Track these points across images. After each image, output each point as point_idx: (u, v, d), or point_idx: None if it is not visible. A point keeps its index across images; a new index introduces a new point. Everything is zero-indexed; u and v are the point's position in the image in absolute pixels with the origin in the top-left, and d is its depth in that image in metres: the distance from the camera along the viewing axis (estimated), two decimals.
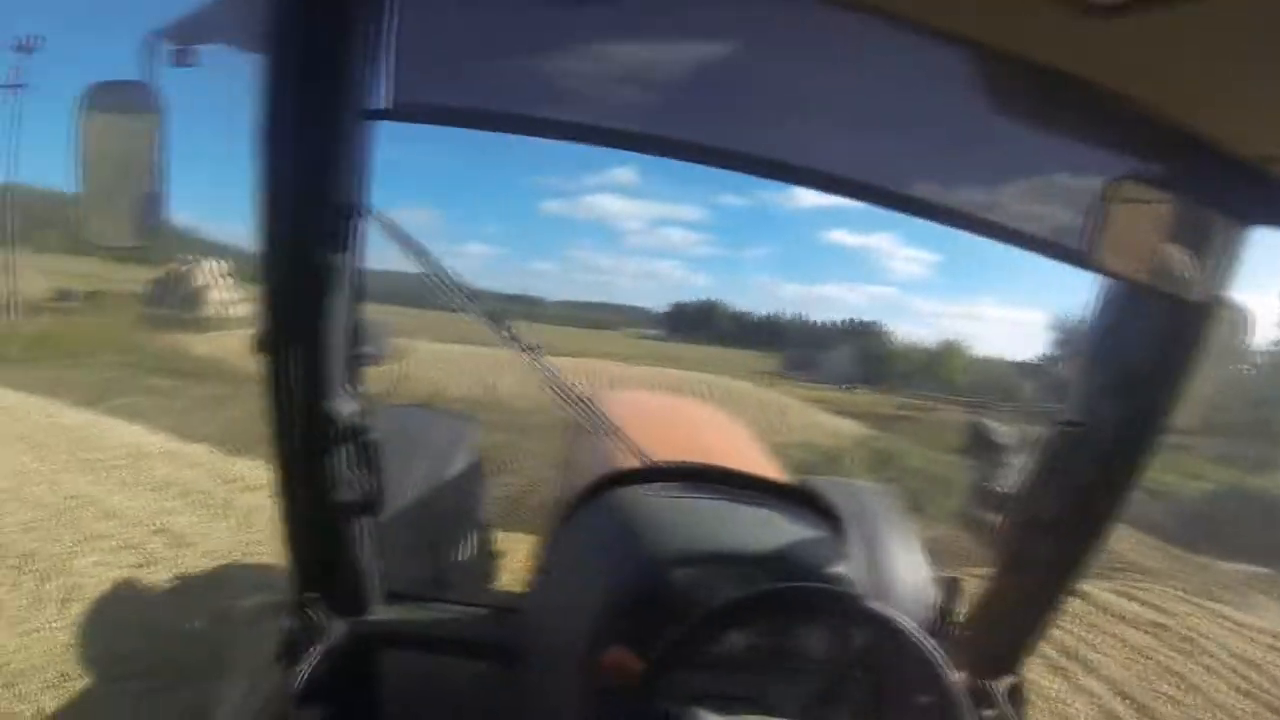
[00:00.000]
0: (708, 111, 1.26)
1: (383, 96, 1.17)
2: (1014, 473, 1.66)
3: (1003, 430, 1.78)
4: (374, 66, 1.15)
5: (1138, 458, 1.45)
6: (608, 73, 1.22)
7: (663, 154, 1.26)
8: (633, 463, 1.84)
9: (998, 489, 1.68)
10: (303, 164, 1.13)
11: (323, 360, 1.28)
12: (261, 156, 1.10)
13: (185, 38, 1.10)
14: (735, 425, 3.27)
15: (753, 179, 1.38)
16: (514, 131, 1.31)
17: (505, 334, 1.60)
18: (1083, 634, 6.50)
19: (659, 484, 1.74)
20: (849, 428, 16.59)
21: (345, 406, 1.37)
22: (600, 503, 1.72)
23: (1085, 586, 8.71)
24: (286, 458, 1.34)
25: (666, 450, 1.96)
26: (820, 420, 17.02)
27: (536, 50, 1.20)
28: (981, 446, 1.76)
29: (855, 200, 1.31)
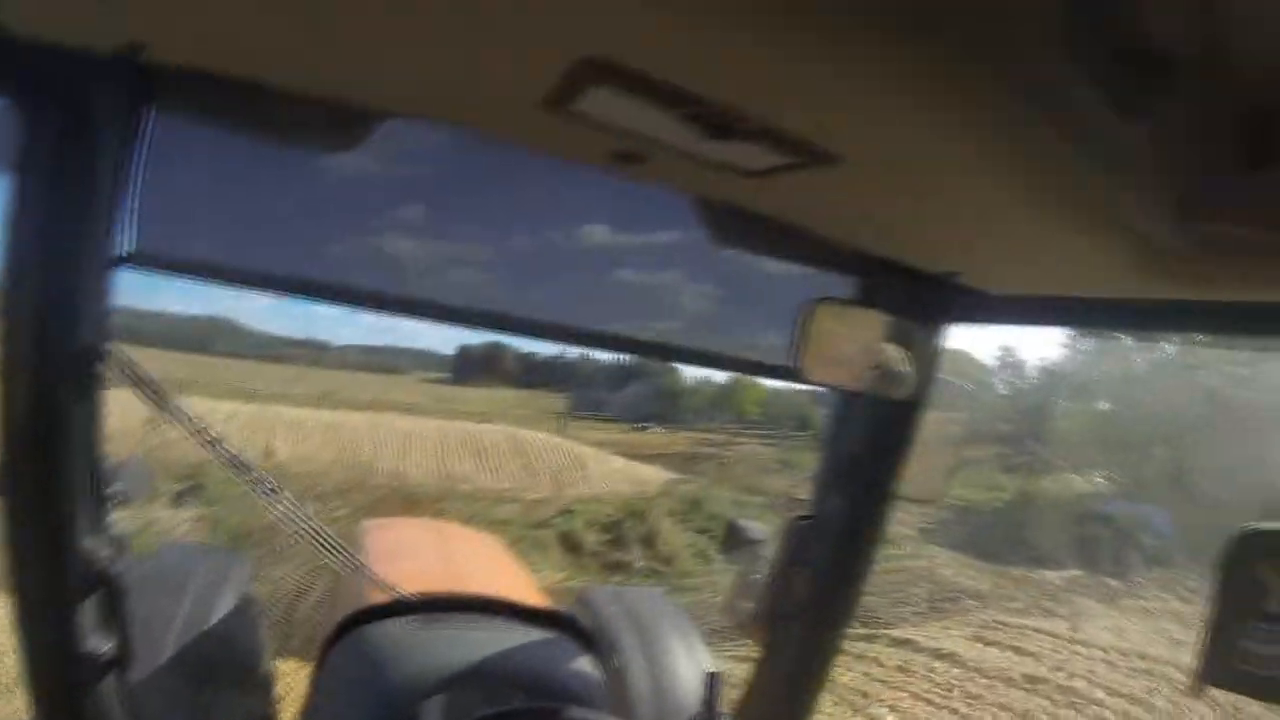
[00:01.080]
0: (433, 268, 1.35)
1: (126, 243, 1.16)
2: (766, 564, 1.76)
3: (756, 526, 1.95)
4: (119, 213, 1.14)
5: (864, 545, 1.59)
6: (340, 230, 1.29)
7: (393, 312, 1.35)
8: (386, 596, 1.88)
9: (755, 580, 1.76)
10: (44, 305, 1.12)
11: (67, 504, 1.23)
12: (4, 293, 1.09)
13: None
14: (494, 547, 3.43)
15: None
16: (252, 288, 1.34)
17: (251, 479, 1.61)
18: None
19: (412, 616, 1.79)
20: (650, 473, 16.80)
21: (92, 553, 1.30)
22: (353, 639, 1.76)
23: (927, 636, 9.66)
24: (28, 610, 1.28)
25: (427, 579, 2.02)
26: (619, 467, 17.14)
27: (275, 206, 1.26)
28: (738, 542, 1.93)
29: (575, 345, 1.49)
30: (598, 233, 1.36)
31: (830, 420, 1.63)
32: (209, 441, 1.51)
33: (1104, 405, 14.87)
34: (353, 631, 1.79)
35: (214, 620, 2.49)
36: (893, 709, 8.19)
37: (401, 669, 1.56)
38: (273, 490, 1.65)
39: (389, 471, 15.60)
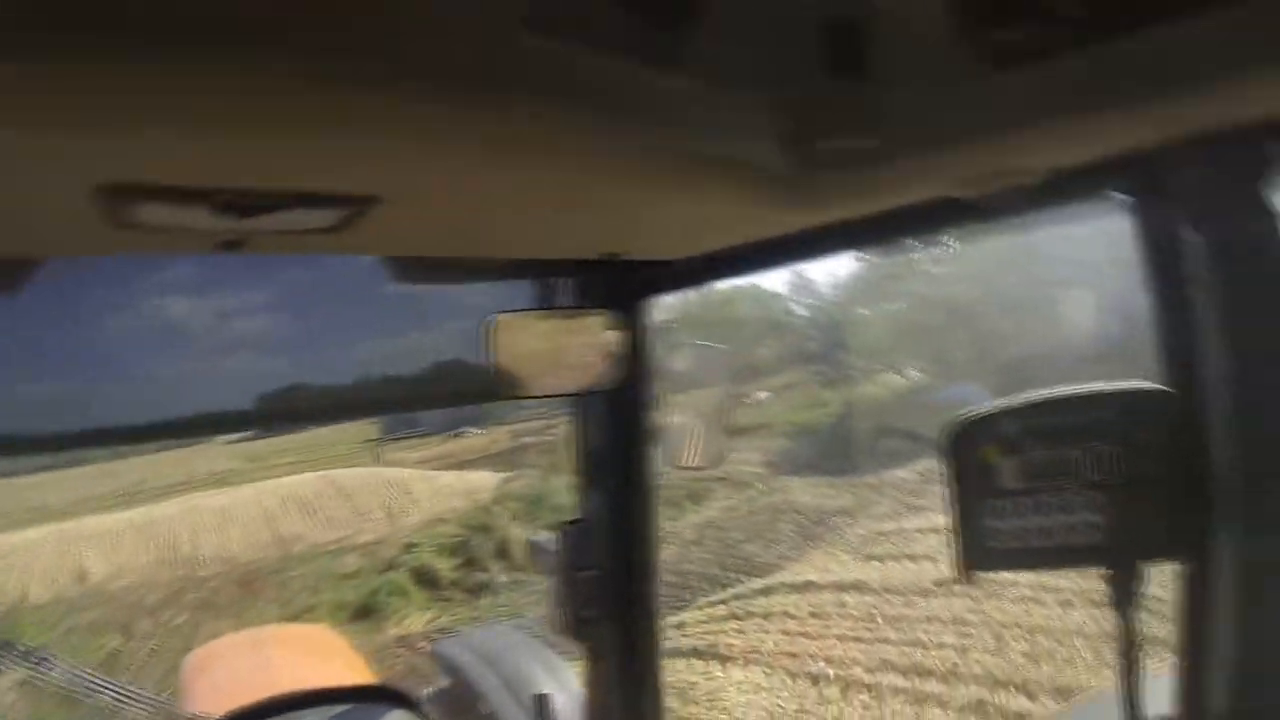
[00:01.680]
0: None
1: None
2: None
3: (551, 537, 1.91)
4: None
5: (639, 536, 1.65)
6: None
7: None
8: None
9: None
10: None
11: None
12: None
13: None
14: (315, 637, 3.55)
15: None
16: None
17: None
18: None
19: None
20: (480, 479, 16.11)
21: None
22: None
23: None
24: None
25: (251, 696, 2.06)
26: (448, 482, 16.35)
27: None
28: (540, 557, 1.88)
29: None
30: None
31: (570, 423, 1.68)
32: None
33: (896, 305, 15.76)
34: None
35: None
36: (830, 660, 8.03)
37: None
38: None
39: (216, 557, 14.24)
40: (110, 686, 1.92)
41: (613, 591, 1.65)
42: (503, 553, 12.87)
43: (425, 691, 2.88)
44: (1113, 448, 1.13)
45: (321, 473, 16.75)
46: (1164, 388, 1.15)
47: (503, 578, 12.55)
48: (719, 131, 0.87)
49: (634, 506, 1.63)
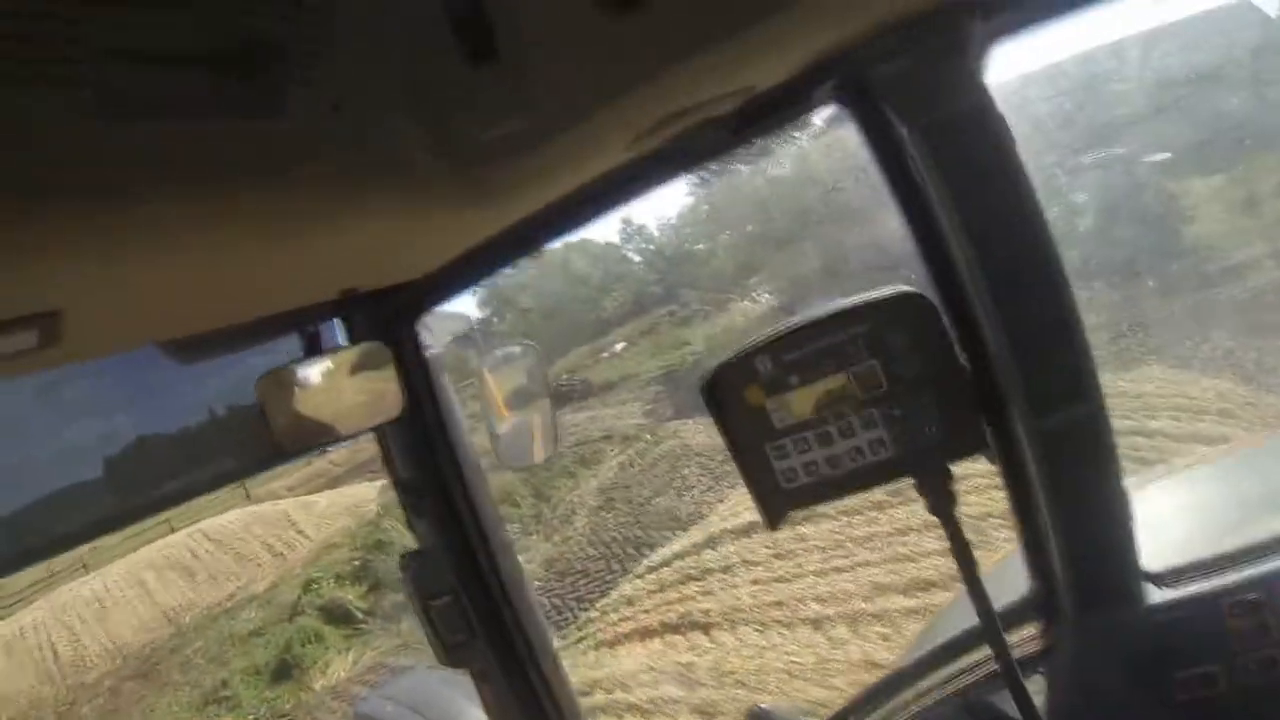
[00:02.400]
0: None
1: None
2: None
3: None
4: None
5: (479, 559, 1.61)
6: None
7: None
8: None
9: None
10: None
11: None
12: None
13: None
14: None
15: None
16: None
17: None
18: None
19: None
20: (359, 492, 15.43)
21: None
22: None
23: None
24: None
25: None
26: (327, 504, 15.69)
27: None
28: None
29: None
30: None
31: (383, 460, 1.63)
32: None
33: (731, 233, 16.18)
34: None
35: None
36: (821, 599, 7.35)
37: None
38: None
39: (104, 651, 13.09)
40: None
41: (476, 613, 1.61)
42: None
43: None
44: (877, 360, 1.13)
45: (189, 529, 15.59)
46: (912, 290, 1.14)
47: None
48: (381, 154, 0.86)
49: (468, 525, 1.60)
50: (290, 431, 1.26)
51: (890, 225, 1.28)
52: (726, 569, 8.39)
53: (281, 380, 1.27)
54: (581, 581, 9.89)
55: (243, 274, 1.05)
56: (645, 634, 7.78)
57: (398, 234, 1.17)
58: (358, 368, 1.35)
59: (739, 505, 9.37)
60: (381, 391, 1.36)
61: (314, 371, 1.31)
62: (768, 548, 8.23)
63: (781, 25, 0.90)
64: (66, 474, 1.38)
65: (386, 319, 1.46)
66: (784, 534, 7.99)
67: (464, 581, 1.59)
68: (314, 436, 1.32)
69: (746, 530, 8.65)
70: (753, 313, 14.71)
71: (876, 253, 10.12)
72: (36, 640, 13.49)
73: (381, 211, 1.02)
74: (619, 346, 15.22)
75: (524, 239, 1.40)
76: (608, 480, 12.56)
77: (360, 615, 11.94)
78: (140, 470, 1.39)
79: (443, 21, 0.70)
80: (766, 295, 14.97)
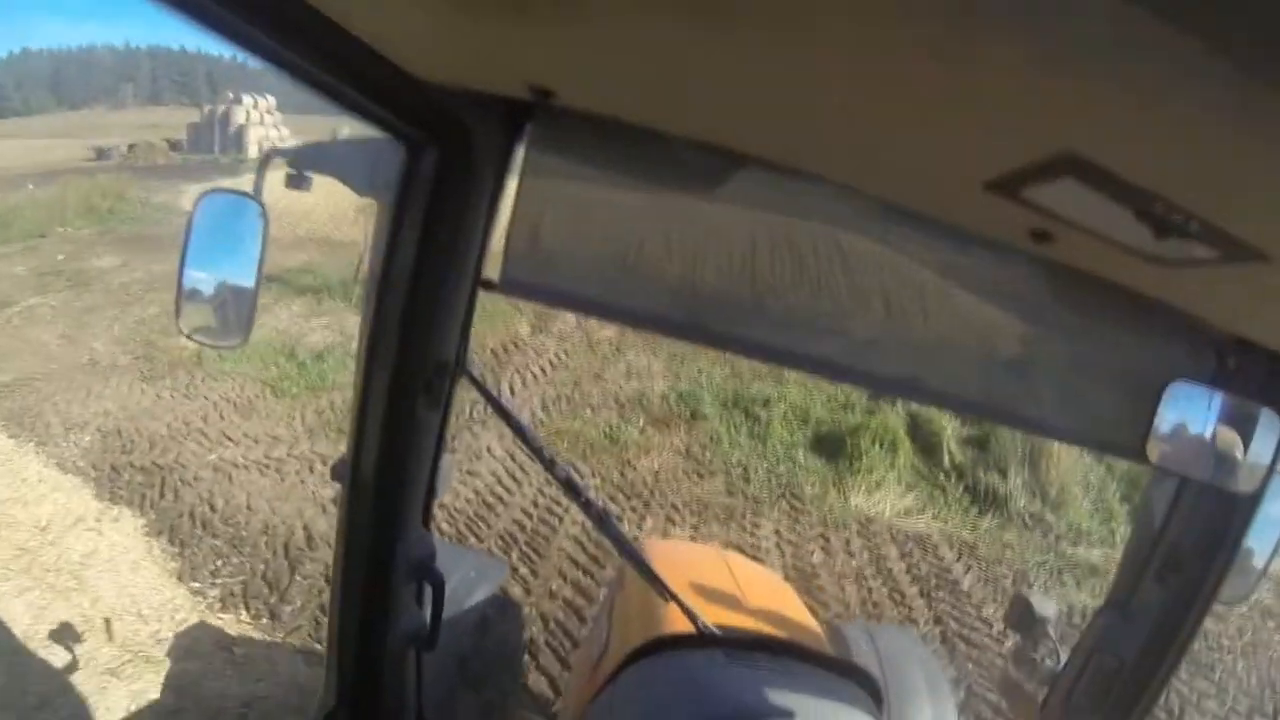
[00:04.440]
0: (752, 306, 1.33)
1: (494, 268, 1.28)
2: (1053, 646, 1.76)
3: (1045, 603, 1.86)
4: (487, 239, 1.28)
5: (1180, 638, 1.47)
6: (690, 268, 1.29)
7: (764, 359, 1.41)
8: (683, 624, 1.85)
9: (1039, 660, 1.77)
10: (410, 319, 1.24)
11: (403, 498, 1.38)
12: (374, 303, 1.22)
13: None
14: (773, 578, 3.31)
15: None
16: (606, 319, 1.54)
17: (563, 475, 1.73)
18: None
19: (708, 650, 1.75)
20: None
21: (416, 542, 1.46)
22: (650, 665, 1.72)
23: None
24: (354, 580, 1.41)
25: (712, 606, 2.04)
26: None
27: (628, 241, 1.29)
28: (1024, 618, 1.83)
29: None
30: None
31: (1150, 504, 1.55)
32: (545, 460, 1.68)
33: None
34: (650, 658, 1.74)
35: (472, 621, 2.67)
36: None
37: (706, 706, 1.53)
38: (586, 496, 1.75)
39: None
40: (621, 537, 1.87)
41: (1122, 688, 1.53)
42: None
43: None
44: None
45: None
46: None
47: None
48: None
49: (1188, 606, 1.45)
50: (1161, 441, 1.23)
51: None
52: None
53: (1186, 396, 1.23)
54: None
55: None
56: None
57: None
58: (1247, 424, 1.27)
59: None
60: (1251, 457, 1.26)
61: (1219, 405, 1.25)
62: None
63: None
64: None
65: None
66: None
67: (1141, 656, 1.50)
68: (1175, 459, 1.27)
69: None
70: None
71: None
72: None
73: None
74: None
75: None
76: None
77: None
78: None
79: None
80: None
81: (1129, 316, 1.21)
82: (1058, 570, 6.11)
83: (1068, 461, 7.29)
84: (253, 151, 27.21)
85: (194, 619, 4.28)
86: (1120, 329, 1.26)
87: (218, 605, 4.46)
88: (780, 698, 1.55)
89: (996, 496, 7.05)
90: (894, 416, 7.91)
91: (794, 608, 2.59)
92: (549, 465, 1.69)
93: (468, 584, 2.74)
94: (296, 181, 1.30)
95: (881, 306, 1.31)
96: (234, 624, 4.30)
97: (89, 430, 6.33)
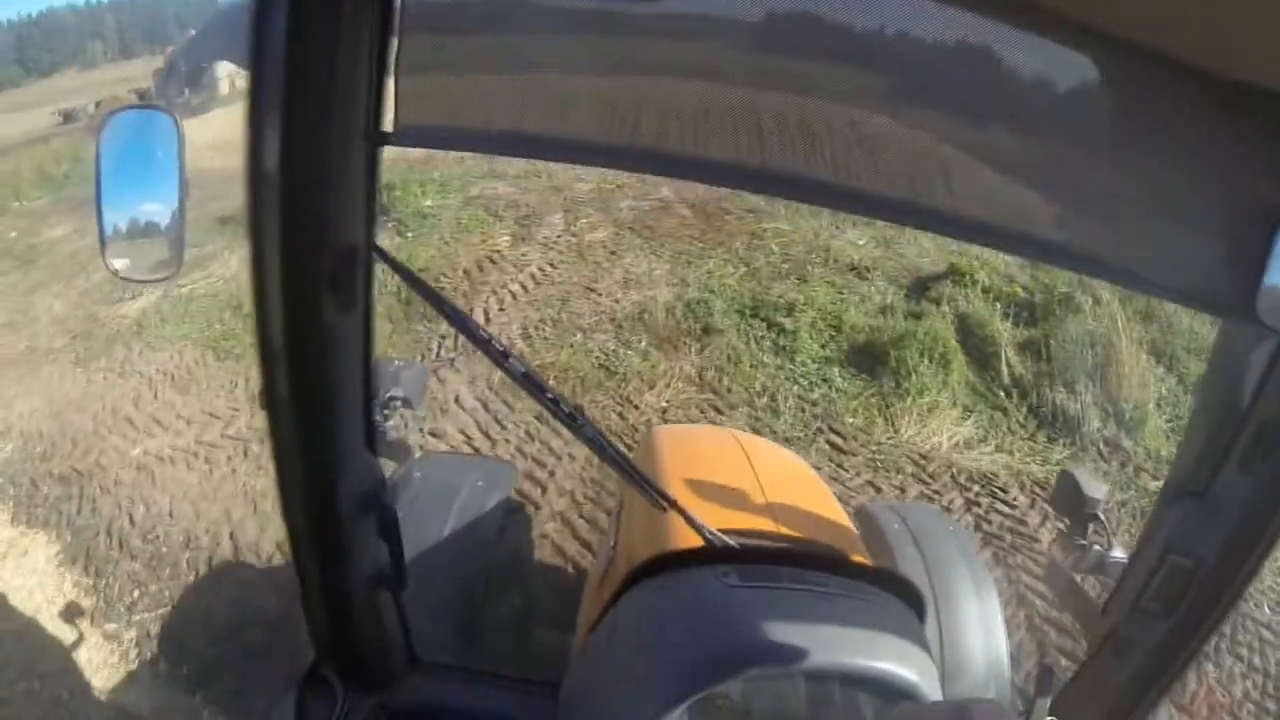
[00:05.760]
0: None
1: (387, 120, 1.11)
2: (1103, 531, 1.69)
3: (1095, 483, 1.74)
4: (378, 89, 1.09)
5: (1267, 538, 1.28)
6: (613, 91, 1.11)
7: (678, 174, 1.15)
8: (695, 538, 1.70)
9: (1092, 551, 1.68)
10: (304, 190, 0.99)
11: (336, 416, 1.19)
12: (256, 184, 0.95)
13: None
14: (794, 461, 3.10)
15: None
16: (518, 154, 1.48)
17: (539, 393, 1.55)
18: None
19: (717, 567, 1.61)
20: None
21: (363, 466, 1.30)
22: (651, 588, 1.62)
23: None
24: (299, 522, 1.24)
25: (725, 508, 2.01)
26: None
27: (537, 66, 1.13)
28: (1073, 499, 1.73)
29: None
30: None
31: (1231, 373, 1.34)
32: (478, 339, 1.47)
33: None
34: (660, 574, 1.63)
35: (480, 530, 2.59)
36: None
37: (721, 626, 1.44)
38: (572, 411, 1.59)
39: None
40: (605, 443, 1.57)
41: (1198, 588, 1.43)
42: None
43: None
44: None
45: None
46: None
47: None
48: None
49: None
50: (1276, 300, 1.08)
51: None
52: None
53: None
54: None
55: None
56: None
57: None
58: None
59: None
60: None
61: None
62: None
63: None
64: None
65: None
66: None
67: (1223, 554, 1.37)
68: None
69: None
70: None
71: None
72: None
73: None
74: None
75: None
76: None
77: None
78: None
79: None
80: None
81: (1234, 142, 1.00)
82: (1140, 512, 4.87)
83: (1136, 373, 5.99)
84: (224, 89, 26.28)
85: (103, 680, 3.69)
86: (1224, 158, 1.04)
87: (133, 652, 3.86)
88: (801, 623, 1.43)
89: (1066, 418, 5.75)
90: (942, 321, 6.59)
91: (818, 498, 2.48)
92: (490, 350, 1.48)
93: (477, 494, 2.68)
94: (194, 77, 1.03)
95: (910, 110, 1.04)
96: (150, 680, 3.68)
97: (11, 437, 5.72)
